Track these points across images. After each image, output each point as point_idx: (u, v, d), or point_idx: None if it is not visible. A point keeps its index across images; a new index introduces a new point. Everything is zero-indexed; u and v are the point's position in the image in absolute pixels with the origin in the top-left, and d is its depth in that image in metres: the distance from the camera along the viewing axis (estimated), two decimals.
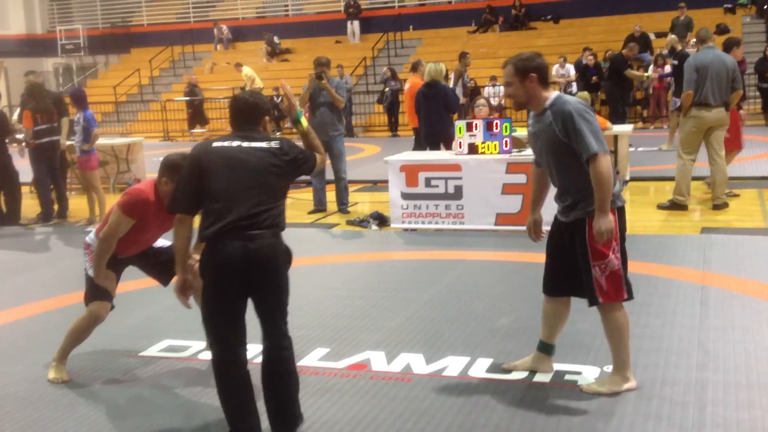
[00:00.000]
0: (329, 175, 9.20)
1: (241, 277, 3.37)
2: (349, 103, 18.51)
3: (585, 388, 3.83)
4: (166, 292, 4.98)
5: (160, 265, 4.50)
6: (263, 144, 3.45)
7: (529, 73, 3.71)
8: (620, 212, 3.77)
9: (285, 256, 3.48)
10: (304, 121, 3.68)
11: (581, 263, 3.74)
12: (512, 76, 3.75)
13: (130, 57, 26.92)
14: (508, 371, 4.17)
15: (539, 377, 4.09)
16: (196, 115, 20.99)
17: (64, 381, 4.32)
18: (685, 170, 8.33)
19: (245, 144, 3.44)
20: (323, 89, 8.80)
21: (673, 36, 14.52)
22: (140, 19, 28.39)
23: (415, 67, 11.81)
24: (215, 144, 3.48)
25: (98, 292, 4.30)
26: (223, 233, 3.33)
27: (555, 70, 18.25)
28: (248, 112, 3.54)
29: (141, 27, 28.08)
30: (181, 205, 3.49)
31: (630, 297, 3.82)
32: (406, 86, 11.67)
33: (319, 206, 9.29)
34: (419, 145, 10.46)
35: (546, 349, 4.12)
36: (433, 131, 9.20)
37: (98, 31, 28.03)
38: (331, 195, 9.37)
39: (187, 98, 20.92)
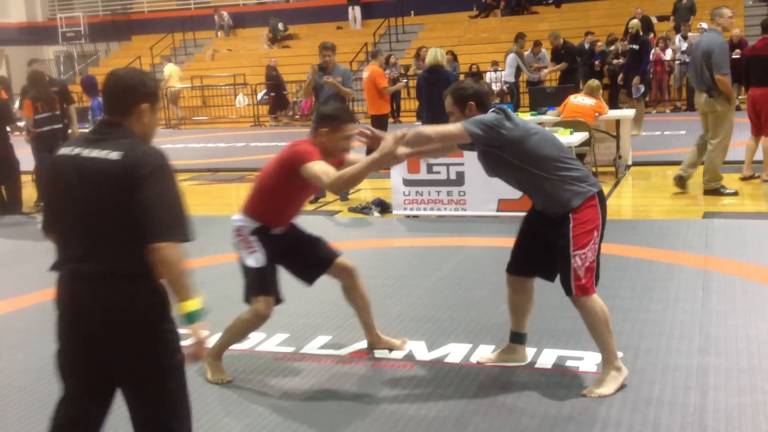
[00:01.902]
0: None
1: (80, 339, 2.50)
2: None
3: (587, 392, 3.70)
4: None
5: (310, 258, 4.19)
6: (110, 154, 2.47)
7: (467, 101, 3.77)
8: (599, 197, 3.70)
9: (152, 314, 2.49)
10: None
11: (559, 255, 3.68)
12: (452, 106, 3.83)
13: (131, 44, 26.85)
14: (485, 363, 4.12)
15: (541, 363, 4.09)
16: (279, 99, 20.67)
17: (228, 382, 4.00)
18: (707, 155, 8.23)
19: (86, 152, 2.50)
20: (327, 84, 8.64)
21: (636, 20, 14.33)
22: (141, 6, 28.29)
23: (374, 55, 11.92)
24: (61, 151, 2.60)
25: (263, 286, 3.91)
26: (58, 271, 2.56)
27: None
28: (117, 95, 2.58)
29: (141, 14, 27.99)
30: (43, 223, 2.69)
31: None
32: (365, 74, 11.71)
33: (319, 194, 9.24)
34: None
35: (517, 338, 4.09)
36: (435, 117, 9.17)
37: (99, 18, 27.94)
38: None
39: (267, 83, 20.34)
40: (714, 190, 8.26)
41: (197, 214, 9.25)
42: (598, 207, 3.69)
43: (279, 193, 3.93)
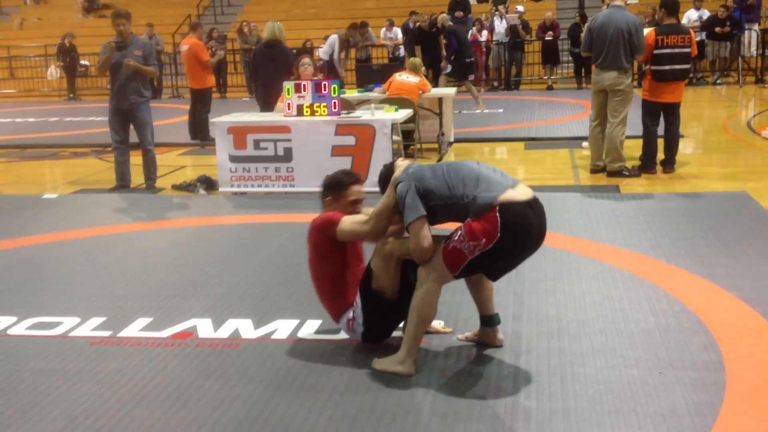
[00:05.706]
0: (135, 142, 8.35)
1: None
2: (161, 64, 17.64)
3: (374, 362, 3.73)
4: (23, 263, 4.54)
5: None
6: None
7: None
8: (505, 216, 3.44)
9: None
10: None
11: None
12: None
13: None
14: (463, 340, 4.04)
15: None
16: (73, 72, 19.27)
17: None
18: (608, 133, 8.09)
19: None
20: (128, 68, 7.86)
21: (444, 15, 15.19)
22: None
23: (193, 27, 11.70)
24: None
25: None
26: None
27: (382, 33, 18.43)
28: None
29: None
30: None
31: (456, 277, 3.62)
32: (184, 47, 11.43)
33: (122, 181, 8.35)
34: (199, 106, 11.08)
35: (485, 321, 3.98)
36: (271, 92, 8.98)
37: None
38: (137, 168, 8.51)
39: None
40: (617, 172, 8.03)
41: (5, 193, 8.60)
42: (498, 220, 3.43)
43: (335, 274, 3.92)
